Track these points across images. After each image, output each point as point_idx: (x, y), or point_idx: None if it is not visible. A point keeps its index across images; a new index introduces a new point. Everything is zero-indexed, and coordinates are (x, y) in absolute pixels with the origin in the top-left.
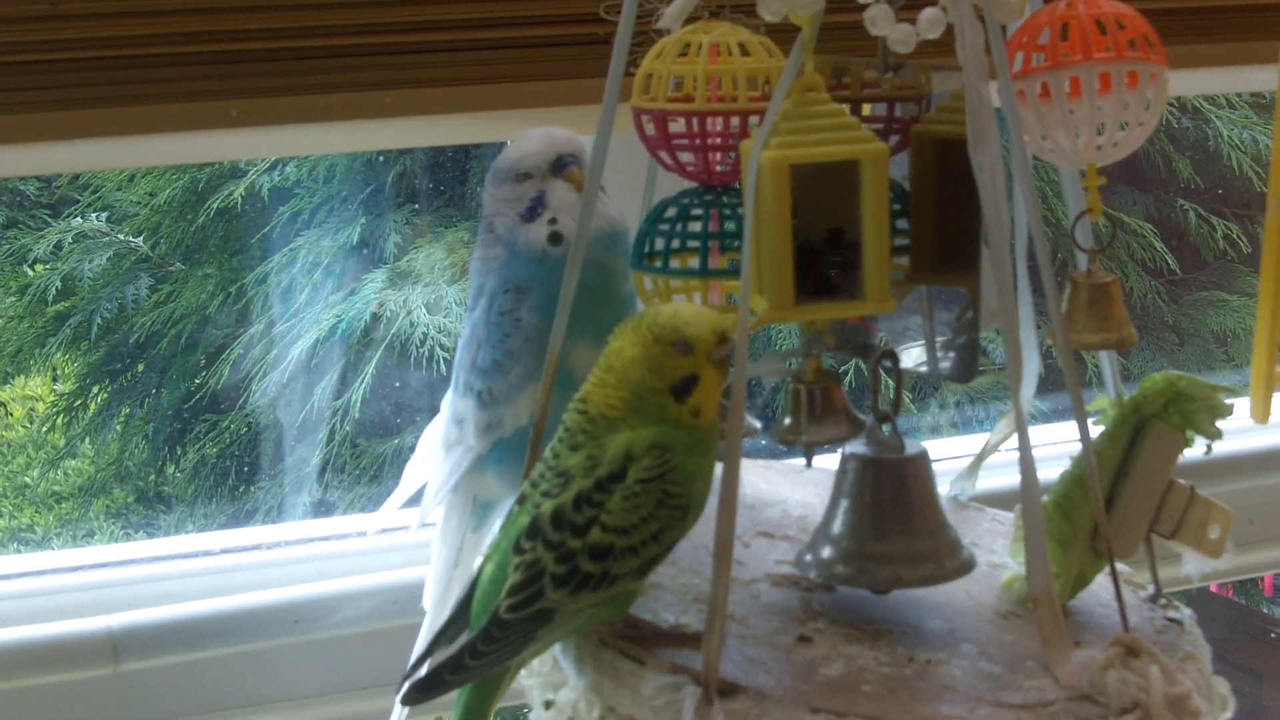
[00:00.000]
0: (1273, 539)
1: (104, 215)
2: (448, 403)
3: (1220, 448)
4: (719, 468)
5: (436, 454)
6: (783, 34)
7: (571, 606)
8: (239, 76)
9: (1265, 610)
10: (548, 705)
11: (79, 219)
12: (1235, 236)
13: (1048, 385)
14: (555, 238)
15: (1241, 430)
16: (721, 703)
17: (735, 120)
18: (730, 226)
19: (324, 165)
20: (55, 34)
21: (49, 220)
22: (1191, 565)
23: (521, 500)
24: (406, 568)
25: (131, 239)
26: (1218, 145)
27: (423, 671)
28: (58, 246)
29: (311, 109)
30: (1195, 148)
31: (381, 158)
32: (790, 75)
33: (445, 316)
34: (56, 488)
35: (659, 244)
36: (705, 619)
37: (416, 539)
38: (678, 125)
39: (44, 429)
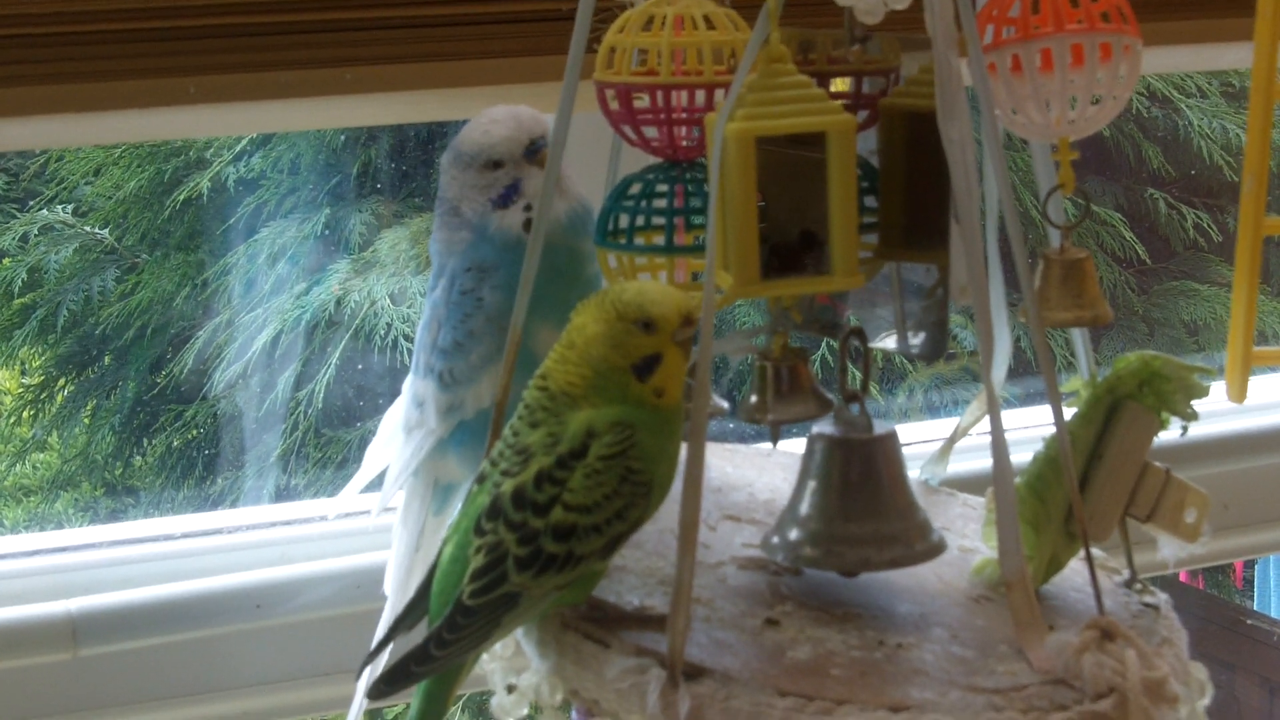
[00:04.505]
0: (1248, 524)
1: (69, 208)
2: (408, 385)
3: (1194, 431)
4: (684, 450)
5: (397, 437)
6: (748, 8)
7: (536, 589)
8: (197, 53)
9: (1238, 601)
10: (510, 689)
11: (44, 211)
12: (1205, 226)
13: (1018, 370)
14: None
15: (1216, 414)
16: (687, 685)
17: (700, 94)
18: (696, 203)
19: (289, 157)
20: (7, 8)
21: (15, 213)
22: (1167, 549)
23: (481, 479)
24: (369, 552)
25: (97, 231)
26: (1187, 134)
27: (383, 657)
28: (23, 239)
29: (271, 86)
30: (1165, 136)
31: (345, 145)
32: (756, 46)
33: (409, 307)
34: (24, 481)
35: (623, 221)
36: (670, 601)
37: (379, 523)
38: (642, 100)
39: (10, 422)
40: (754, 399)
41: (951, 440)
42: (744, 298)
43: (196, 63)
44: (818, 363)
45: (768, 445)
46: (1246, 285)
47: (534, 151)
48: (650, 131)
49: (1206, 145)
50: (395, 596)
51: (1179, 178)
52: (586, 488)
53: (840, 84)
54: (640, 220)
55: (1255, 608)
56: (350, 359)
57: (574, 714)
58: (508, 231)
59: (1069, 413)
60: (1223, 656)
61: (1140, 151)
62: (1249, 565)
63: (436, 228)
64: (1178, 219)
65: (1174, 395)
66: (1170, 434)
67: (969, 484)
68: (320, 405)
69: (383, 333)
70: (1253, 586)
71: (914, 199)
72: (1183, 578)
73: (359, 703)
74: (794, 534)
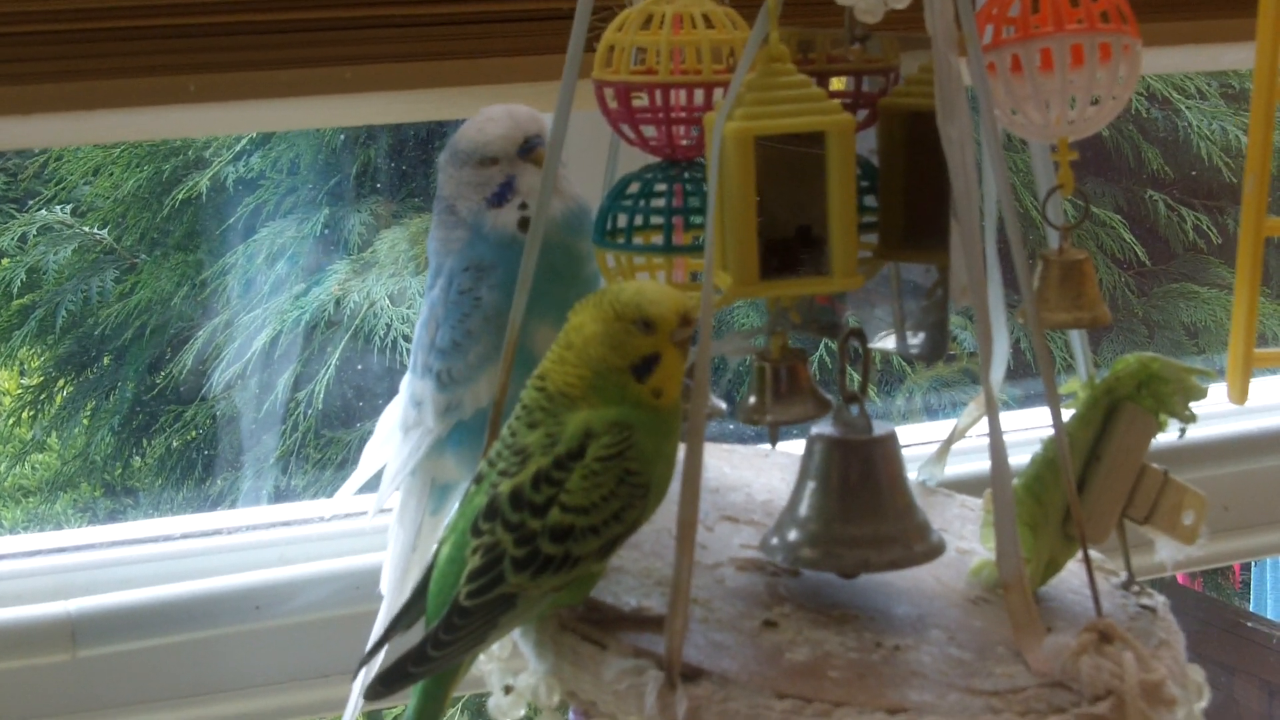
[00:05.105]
0: (1247, 526)
1: (68, 208)
2: (406, 384)
3: (1193, 433)
4: (682, 451)
5: (394, 437)
6: (747, 7)
7: (533, 590)
8: (197, 50)
9: (1236, 604)
10: (507, 690)
11: (43, 211)
12: (1205, 227)
13: (1016, 371)
14: (526, 223)
15: (1215, 415)
16: (685, 687)
17: (699, 93)
18: (694, 202)
19: (288, 156)
20: (6, 5)
21: (14, 214)
22: (1165, 552)
23: (478, 479)
24: (368, 553)
25: (96, 231)
26: (1187, 136)
27: (380, 657)
28: (22, 239)
29: (271, 84)
30: (1164, 138)
31: (344, 145)
32: (755, 45)
33: (408, 307)
34: (23, 482)
35: (621, 220)
36: (668, 602)
37: (379, 524)
38: (640, 99)
39: (10, 423)
40: (753, 400)
41: (949, 441)
42: (743, 298)
43: (196, 61)
44: (815, 364)
45: (766, 446)
46: (1248, 286)
47: (529, 149)
48: (649, 130)
49: (1206, 147)
50: (391, 596)
51: (1178, 179)
52: (584, 489)
53: (837, 83)
54: (638, 220)
55: (1251, 610)
56: (349, 359)
57: (571, 715)
58: (503, 230)
59: (1067, 414)
60: (1222, 659)
61: (1140, 153)
62: (1246, 567)
63: (434, 227)
64: (1177, 221)
65: (1172, 397)
66: (1169, 436)
67: (966, 486)
68: (319, 406)
69: (382, 333)
70: (1250, 589)
71: (914, 199)
72: (1181, 580)
73: (355, 703)
74: (793, 535)
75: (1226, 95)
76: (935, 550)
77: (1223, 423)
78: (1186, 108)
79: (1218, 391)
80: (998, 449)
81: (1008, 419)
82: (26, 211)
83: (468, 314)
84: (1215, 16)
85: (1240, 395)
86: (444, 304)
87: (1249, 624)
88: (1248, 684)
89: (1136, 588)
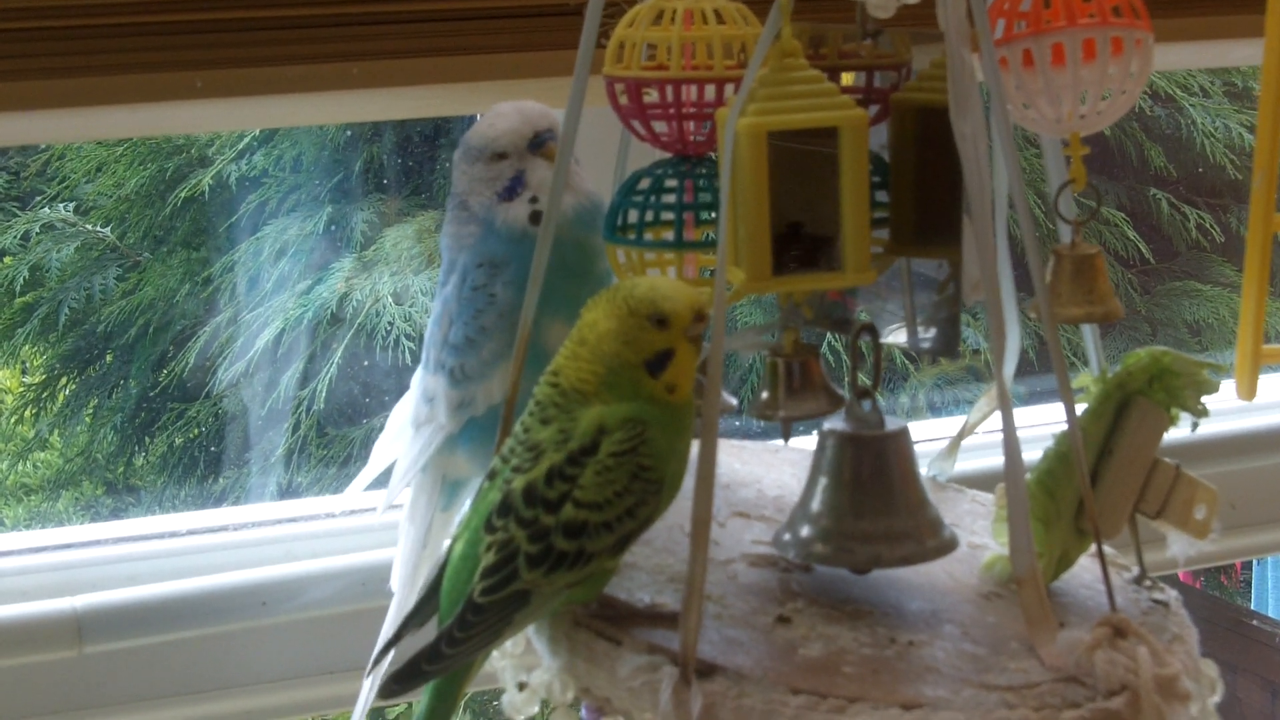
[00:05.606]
0: (1255, 523)
1: (71, 206)
2: (417, 380)
3: (1202, 429)
4: (695, 447)
5: (406, 433)
6: (758, 2)
7: (547, 587)
8: (204, 47)
9: (1239, 602)
10: (521, 687)
11: (46, 209)
12: (1208, 226)
13: (1022, 368)
14: (537, 217)
15: (1222, 412)
16: (700, 683)
17: (711, 89)
18: (706, 198)
19: (291, 154)
20: (10, 1)
21: (16, 212)
22: (1176, 547)
23: (492, 476)
24: (376, 549)
25: (99, 229)
26: (1190, 133)
27: (392, 655)
28: (25, 237)
29: (278, 80)
30: (1168, 135)
31: (349, 142)
32: (767, 41)
33: (411, 305)
34: (26, 480)
35: (633, 216)
36: (682, 598)
37: (385, 520)
38: (651, 95)
39: (12, 421)
40: (765, 396)
41: (960, 436)
42: (755, 293)
43: (203, 57)
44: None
45: (776, 442)
46: (1256, 282)
47: (539, 144)
48: (660, 126)
49: (1210, 145)
50: (402, 592)
51: (1182, 177)
52: (597, 485)
53: (849, 78)
54: (650, 215)
55: (1253, 608)
56: (353, 357)
57: (584, 712)
58: (514, 225)
59: (1079, 408)
60: (1225, 657)
61: (1143, 151)
62: (1247, 566)
63: (447, 223)
64: (1180, 219)
65: (1184, 391)
66: (1180, 430)
67: (976, 482)
68: (323, 403)
69: (385, 330)
70: (1250, 587)
71: (925, 194)
72: (1183, 577)
73: (365, 700)
74: (805, 530)
75: (1230, 93)
76: (947, 546)
77: (1230, 419)
78: (1190, 105)
79: (1225, 388)
80: (1011, 444)
81: (1017, 417)
82: (29, 210)
83: (482, 310)
84: (1223, 12)
85: (1248, 392)
86: (457, 300)
87: (1252, 622)
88: (1250, 683)
89: (1149, 582)
